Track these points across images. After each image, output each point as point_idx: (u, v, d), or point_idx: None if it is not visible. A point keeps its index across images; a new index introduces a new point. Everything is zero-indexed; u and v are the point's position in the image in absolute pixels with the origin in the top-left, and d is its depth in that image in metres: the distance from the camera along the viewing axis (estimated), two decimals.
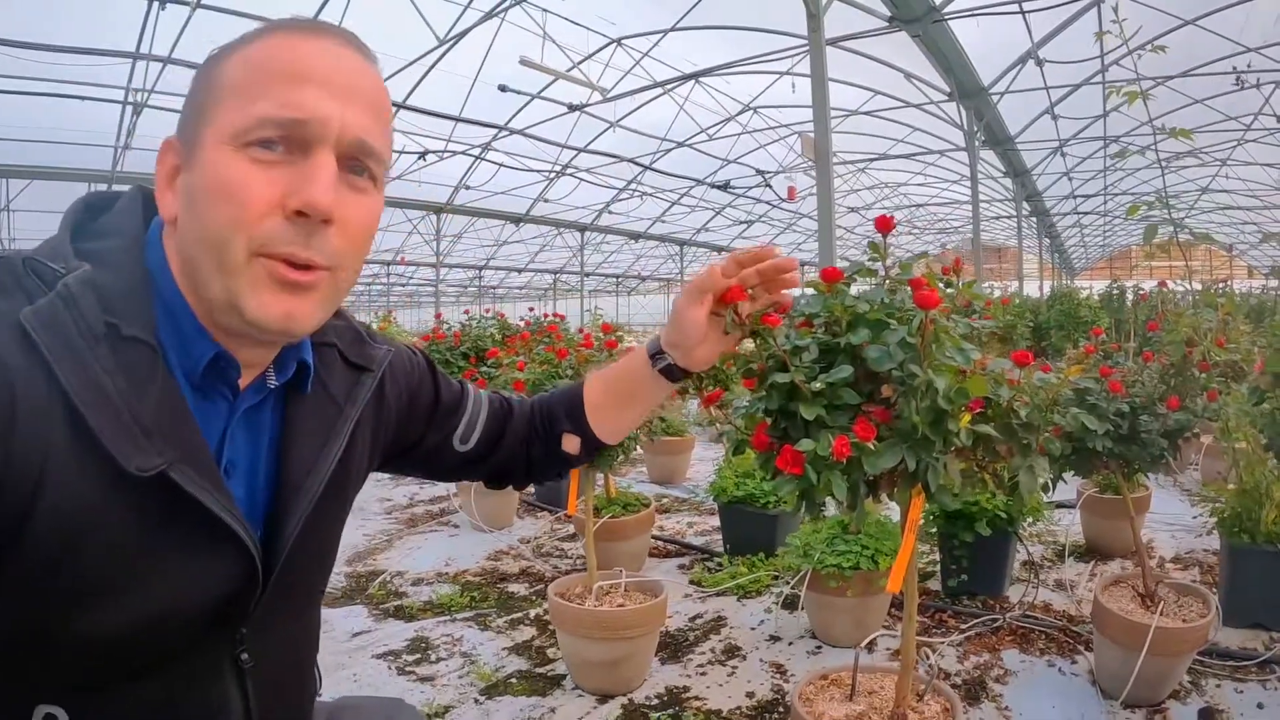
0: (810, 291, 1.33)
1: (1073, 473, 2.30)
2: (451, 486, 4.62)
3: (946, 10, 7.10)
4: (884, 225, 1.29)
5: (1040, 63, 8.75)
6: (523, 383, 2.33)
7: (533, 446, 0.97)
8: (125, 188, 0.72)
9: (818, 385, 1.15)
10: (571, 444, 0.95)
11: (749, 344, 1.13)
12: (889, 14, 7.15)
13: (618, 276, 28.75)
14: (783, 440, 1.21)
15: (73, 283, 0.59)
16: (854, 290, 1.34)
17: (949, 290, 1.52)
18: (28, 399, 0.55)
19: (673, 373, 0.93)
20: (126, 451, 0.57)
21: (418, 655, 2.65)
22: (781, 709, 2.24)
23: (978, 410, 1.28)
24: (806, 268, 28.28)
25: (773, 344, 1.16)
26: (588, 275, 20.77)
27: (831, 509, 2.05)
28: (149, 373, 0.61)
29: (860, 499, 1.19)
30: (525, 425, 0.97)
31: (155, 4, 7.49)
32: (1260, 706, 2.19)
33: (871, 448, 1.12)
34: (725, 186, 16.04)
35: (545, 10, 8.98)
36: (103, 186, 11.79)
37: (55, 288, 0.58)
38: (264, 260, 0.61)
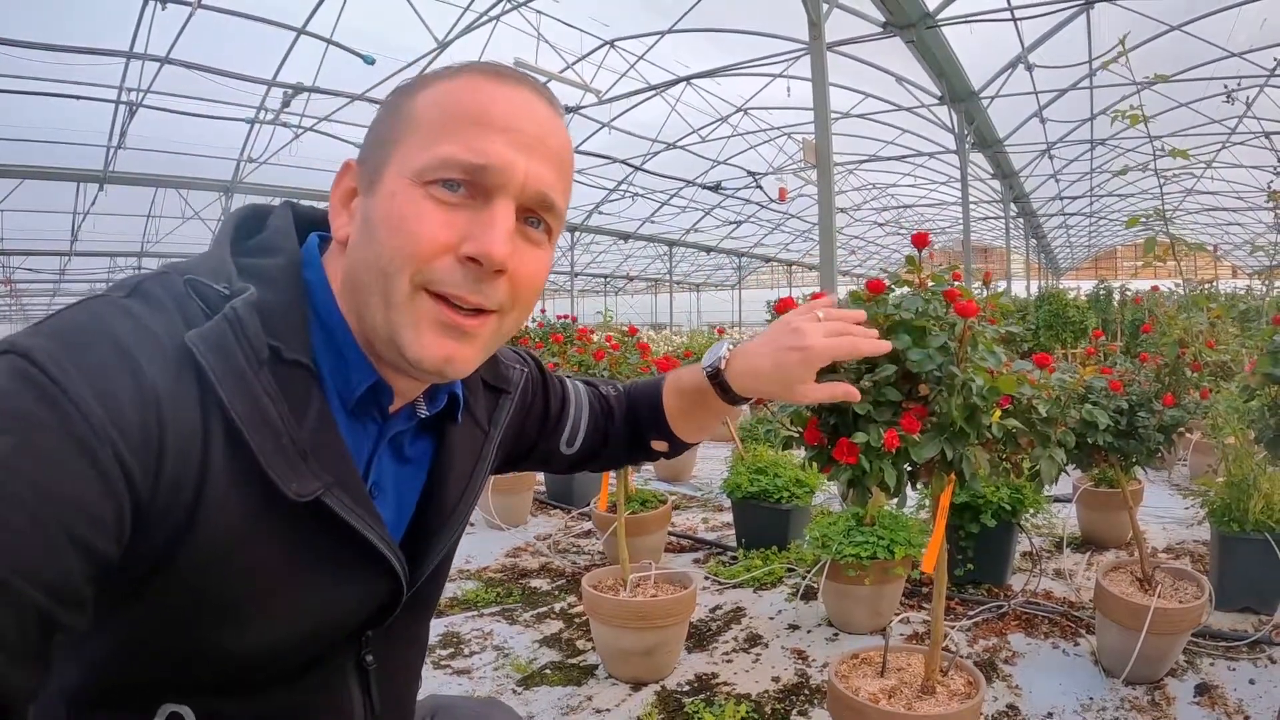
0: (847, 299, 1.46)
1: (1074, 466, 2.44)
2: None
3: (940, 16, 7.25)
4: (920, 241, 1.42)
5: (1030, 67, 8.94)
6: None
7: (629, 444, 1.03)
8: (275, 201, 0.72)
9: (866, 384, 1.27)
10: (661, 446, 1.02)
11: None
12: (884, 20, 7.30)
13: (605, 276, 28.82)
14: (832, 435, 1.33)
15: (240, 306, 0.57)
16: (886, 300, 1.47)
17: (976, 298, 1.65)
18: (178, 425, 0.53)
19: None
20: (286, 476, 0.57)
21: (451, 650, 2.74)
22: (806, 691, 2.37)
23: (1005, 406, 1.41)
24: (796, 268, 28.46)
25: None
26: (575, 275, 20.87)
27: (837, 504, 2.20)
28: (306, 396, 0.60)
29: (903, 485, 1.32)
30: (624, 427, 1.02)
31: (154, 3, 7.48)
32: (1251, 682, 2.34)
33: (916, 439, 1.24)
34: (716, 188, 16.18)
35: (540, 12, 9.04)
36: (94, 187, 11.73)
37: (222, 311, 0.57)
38: (429, 297, 0.60)
